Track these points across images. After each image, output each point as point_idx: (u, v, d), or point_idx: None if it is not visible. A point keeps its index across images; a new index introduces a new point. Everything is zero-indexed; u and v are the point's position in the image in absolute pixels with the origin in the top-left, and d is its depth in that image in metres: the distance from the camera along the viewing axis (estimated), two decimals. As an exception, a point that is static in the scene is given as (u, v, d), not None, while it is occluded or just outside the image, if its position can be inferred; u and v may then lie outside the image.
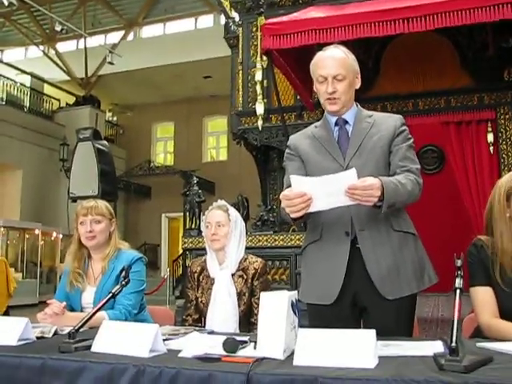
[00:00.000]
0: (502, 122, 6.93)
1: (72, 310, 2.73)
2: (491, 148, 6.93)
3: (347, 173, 2.08)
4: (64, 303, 2.50)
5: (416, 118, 6.98)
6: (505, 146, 6.88)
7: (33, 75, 19.99)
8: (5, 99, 17.77)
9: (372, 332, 1.61)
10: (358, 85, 2.42)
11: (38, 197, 17.37)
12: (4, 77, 18.32)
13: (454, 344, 1.50)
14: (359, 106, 2.47)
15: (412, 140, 2.39)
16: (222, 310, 2.84)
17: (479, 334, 2.15)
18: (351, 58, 2.39)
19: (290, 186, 2.16)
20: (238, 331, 2.77)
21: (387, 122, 2.40)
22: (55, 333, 2.23)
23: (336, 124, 2.42)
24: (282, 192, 2.17)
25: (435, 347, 1.74)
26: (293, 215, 2.14)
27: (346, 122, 2.41)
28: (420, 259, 2.33)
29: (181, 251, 15.24)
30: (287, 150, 2.54)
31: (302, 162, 2.43)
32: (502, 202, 2.19)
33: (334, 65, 2.33)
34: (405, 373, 1.45)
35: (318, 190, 2.07)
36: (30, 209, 17.10)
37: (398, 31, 5.27)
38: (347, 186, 2.02)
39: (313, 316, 2.37)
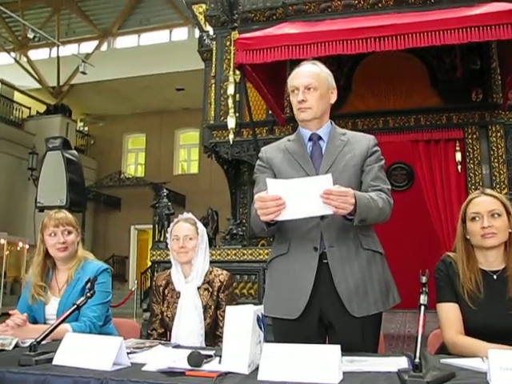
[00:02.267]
0: (470, 141, 7.04)
1: (35, 321, 2.68)
2: (459, 166, 7.03)
3: (323, 177, 2.10)
4: (26, 315, 2.45)
5: (386, 135, 7.05)
6: (472, 165, 6.99)
7: (3, 82, 19.71)
8: (-28, 105, 17.51)
9: (337, 347, 1.61)
10: (332, 99, 2.45)
11: (4, 206, 17.07)
12: (-27, 83, 18.07)
13: (417, 360, 1.51)
14: (333, 123, 2.49)
15: (383, 161, 2.43)
16: (188, 323, 2.81)
17: (444, 350, 2.17)
18: (325, 72, 2.43)
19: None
20: (203, 345, 2.74)
21: (361, 141, 2.43)
22: (16, 345, 2.20)
23: (310, 139, 2.43)
24: (258, 194, 2.16)
25: (400, 363, 1.75)
26: (262, 218, 2.14)
27: (320, 138, 2.43)
28: (386, 279, 2.35)
29: (149, 264, 15.12)
30: (259, 162, 2.53)
31: (274, 174, 2.43)
32: (460, 223, 2.28)
33: (305, 75, 2.38)
34: (368, 389, 1.46)
35: (293, 194, 2.08)
36: (-4, 218, 16.80)
37: (370, 49, 5.34)
38: (322, 190, 2.03)
39: (278, 331, 2.36)
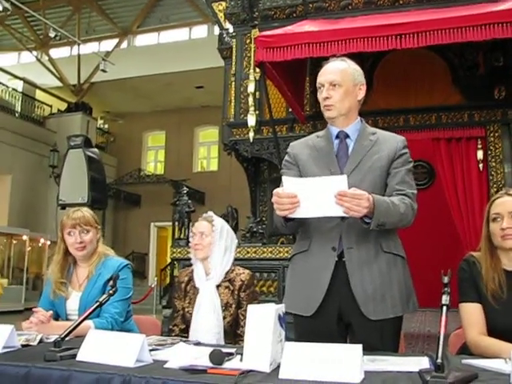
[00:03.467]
0: (492, 139, 6.97)
1: (57, 316, 2.71)
2: (481, 165, 6.96)
3: (338, 177, 2.09)
4: (50, 312, 2.49)
5: (407, 133, 6.99)
6: (494, 164, 6.92)
7: (25, 80, 19.95)
8: (-4, 104, 17.73)
9: (358, 347, 1.61)
10: (360, 96, 2.40)
11: (26, 203, 17.27)
12: (-4, 81, 18.29)
13: (439, 360, 1.50)
14: (364, 121, 2.45)
15: (412, 164, 2.38)
16: (205, 320, 2.82)
17: (466, 350, 2.16)
18: (353, 68, 2.39)
19: None
20: (221, 342, 2.76)
21: (389, 142, 2.38)
22: (40, 341, 2.22)
23: (337, 137, 2.40)
24: (275, 189, 2.16)
25: (421, 363, 1.74)
26: (278, 213, 2.15)
27: (348, 136, 2.39)
28: (407, 284, 2.31)
29: (169, 261, 15.19)
30: (286, 157, 2.52)
31: (299, 171, 2.41)
32: (485, 223, 2.26)
33: (330, 72, 2.35)
34: (390, 388, 1.46)
35: (308, 193, 2.08)
36: (18, 214, 17.00)
37: (391, 47, 5.30)
38: (337, 190, 2.02)
39: (297, 327, 2.36)
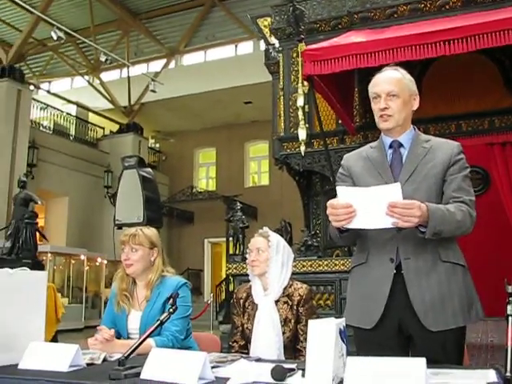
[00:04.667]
0: (548, 141, 6.80)
1: (118, 335, 2.76)
2: (537, 169, 6.79)
3: (391, 186, 2.07)
4: (113, 330, 2.54)
5: (459, 139, 6.77)
6: (551, 166, 6.74)
7: (78, 104, 20.57)
8: (52, 128, 18.29)
9: (422, 360, 1.59)
10: (415, 106, 2.37)
11: (83, 223, 17.71)
12: (51, 107, 18.88)
13: (508, 374, 1.47)
14: (417, 129, 2.42)
15: (469, 170, 2.32)
16: (265, 336, 2.83)
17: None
18: (408, 78, 2.36)
19: None
20: (281, 358, 2.76)
21: (444, 148, 2.33)
22: (104, 359, 2.27)
23: (390, 146, 2.38)
24: (329, 201, 2.16)
25: (488, 376, 1.70)
26: (334, 224, 2.15)
27: (401, 145, 2.36)
28: (468, 293, 2.25)
29: (223, 276, 15.28)
30: (340, 170, 2.51)
31: (353, 183, 2.39)
32: None
33: (387, 82, 2.32)
34: (457, 402, 1.43)
35: (362, 202, 2.07)
36: (76, 235, 17.45)
37: (439, 54, 5.24)
38: (390, 199, 2.01)
39: (357, 339, 2.34)
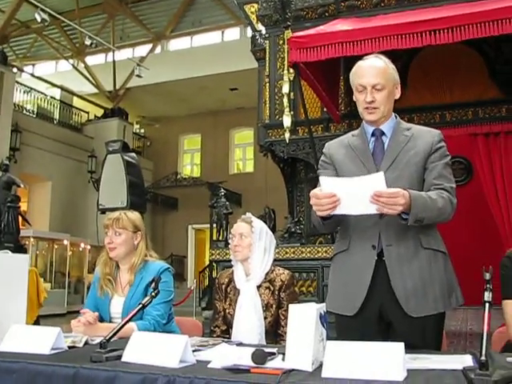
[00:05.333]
0: (531, 133, 6.85)
1: (101, 319, 2.76)
2: (520, 160, 6.84)
3: (375, 176, 2.07)
4: (96, 314, 2.55)
5: (443, 129, 6.78)
6: (534, 158, 6.79)
7: (63, 88, 20.36)
8: (35, 112, 18.10)
9: (400, 344, 1.61)
10: (397, 95, 2.39)
11: (66, 208, 17.60)
12: (35, 90, 18.67)
13: (483, 358, 1.49)
14: (398, 117, 2.43)
15: (449, 157, 2.34)
16: (247, 321, 2.85)
17: (510, 348, 2.13)
18: (391, 67, 2.36)
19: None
20: (262, 342, 2.77)
21: (425, 137, 2.35)
22: (86, 343, 2.28)
23: (373, 134, 2.39)
24: (313, 190, 2.17)
25: (464, 361, 1.73)
26: (319, 213, 2.16)
27: (383, 134, 2.37)
28: (449, 279, 2.28)
29: (207, 263, 15.28)
30: (322, 157, 2.52)
31: (336, 170, 2.41)
32: None
33: (373, 74, 2.30)
34: (434, 386, 1.46)
35: (346, 192, 2.08)
36: (59, 220, 17.33)
37: (425, 43, 5.24)
38: (374, 189, 2.02)
39: (338, 326, 2.37)
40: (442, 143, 2.36)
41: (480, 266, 1.77)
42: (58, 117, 19.05)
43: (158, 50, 21.43)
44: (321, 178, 2.14)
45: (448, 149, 2.36)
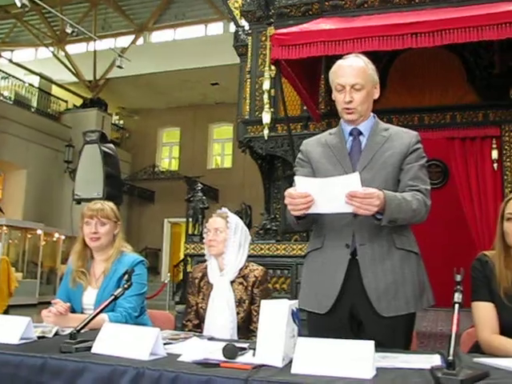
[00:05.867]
0: (507, 139, 6.93)
1: (73, 310, 2.74)
2: (495, 165, 6.93)
3: (350, 176, 2.08)
4: (68, 304, 2.53)
5: (421, 132, 6.85)
6: (509, 163, 6.88)
7: (41, 76, 20.11)
8: (13, 99, 17.87)
9: (371, 343, 1.62)
10: (376, 95, 2.40)
11: (41, 197, 17.41)
12: (13, 76, 18.43)
13: (450, 358, 1.51)
14: (376, 117, 2.44)
15: (425, 159, 2.36)
16: (219, 316, 2.85)
17: (478, 349, 2.16)
18: (371, 67, 2.36)
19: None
20: (235, 338, 2.78)
21: (402, 138, 2.36)
22: (56, 333, 2.25)
23: (350, 134, 2.39)
24: (287, 190, 2.17)
25: (433, 360, 1.75)
26: (293, 213, 2.17)
27: (361, 133, 2.38)
28: (420, 280, 2.30)
29: (182, 257, 15.24)
30: (299, 155, 2.52)
31: (312, 169, 2.42)
32: (499, 221, 2.24)
33: (352, 74, 2.30)
34: (402, 384, 1.47)
35: (321, 192, 2.08)
36: (33, 209, 17.14)
37: (406, 46, 5.29)
38: (349, 189, 2.02)
39: (310, 324, 2.37)
40: (419, 145, 2.37)
41: (453, 268, 1.79)
42: (35, 104, 18.84)
43: (140, 41, 21.27)
44: (296, 178, 2.14)
45: (425, 151, 2.38)
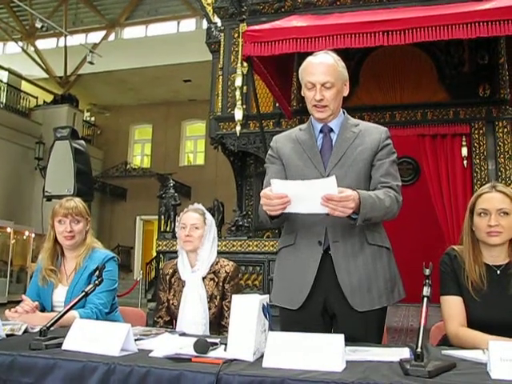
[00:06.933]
0: (476, 136, 7.04)
1: (43, 308, 2.72)
2: (465, 162, 7.04)
3: (327, 180, 2.08)
4: (36, 303, 2.49)
5: (392, 129, 6.93)
6: (478, 161, 6.99)
7: (10, 71, 19.76)
8: (-20, 94, 17.58)
9: (340, 337, 1.64)
10: (346, 92, 2.40)
11: (10, 194, 17.14)
12: (-19, 71, 18.13)
13: (419, 350, 1.54)
14: (346, 113, 2.44)
15: (396, 155, 2.38)
16: (192, 312, 2.84)
17: (446, 342, 2.19)
18: (341, 65, 2.36)
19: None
20: (207, 333, 2.78)
21: (372, 133, 2.37)
22: (25, 331, 2.23)
23: (321, 131, 2.39)
24: (263, 190, 2.16)
25: (402, 354, 1.77)
26: (270, 213, 2.16)
27: (331, 130, 2.38)
28: (392, 274, 2.33)
29: (154, 254, 15.16)
30: (269, 152, 2.51)
31: (283, 165, 2.42)
32: (468, 215, 2.26)
33: (322, 72, 2.29)
34: (371, 377, 1.49)
35: (297, 194, 2.09)
36: (3, 206, 16.86)
37: (378, 43, 5.33)
38: (325, 192, 2.02)
39: (282, 320, 2.38)
40: (389, 140, 2.39)
41: (423, 263, 1.81)
42: (4, 100, 18.50)
43: (112, 37, 21.07)
44: (272, 181, 2.12)
45: (397, 149, 2.40)
